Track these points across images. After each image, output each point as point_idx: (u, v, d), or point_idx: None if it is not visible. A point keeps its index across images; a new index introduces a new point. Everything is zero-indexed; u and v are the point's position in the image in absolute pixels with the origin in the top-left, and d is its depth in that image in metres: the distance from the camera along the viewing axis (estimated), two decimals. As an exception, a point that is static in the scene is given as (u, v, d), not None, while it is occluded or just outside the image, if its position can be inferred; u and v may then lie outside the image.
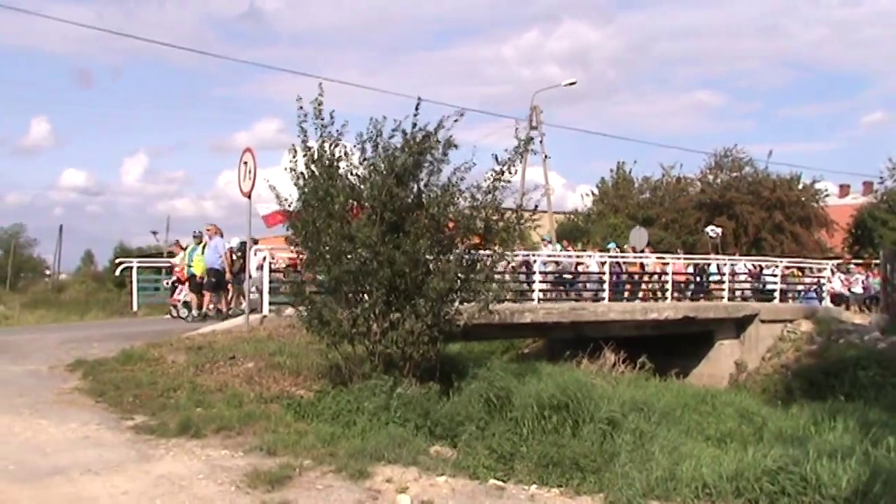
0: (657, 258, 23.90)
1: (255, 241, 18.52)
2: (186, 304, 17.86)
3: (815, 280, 26.14)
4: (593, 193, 43.20)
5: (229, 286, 17.43)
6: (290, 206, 10.45)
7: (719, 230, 30.00)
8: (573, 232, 39.11)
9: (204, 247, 17.21)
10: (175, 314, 18.24)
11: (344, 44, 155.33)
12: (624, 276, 22.90)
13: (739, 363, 21.68)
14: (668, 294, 22.13)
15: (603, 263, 21.22)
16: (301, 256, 10.85)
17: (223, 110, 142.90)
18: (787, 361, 20.99)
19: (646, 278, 23.60)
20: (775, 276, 24.89)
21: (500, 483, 6.75)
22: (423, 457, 7.23)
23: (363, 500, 6.16)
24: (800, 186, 39.47)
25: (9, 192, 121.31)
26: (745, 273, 25.64)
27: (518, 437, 8.05)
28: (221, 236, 17.37)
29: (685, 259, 24.89)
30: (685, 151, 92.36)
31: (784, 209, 37.60)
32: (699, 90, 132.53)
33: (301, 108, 10.23)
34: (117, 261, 20.68)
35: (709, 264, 25.22)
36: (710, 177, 41.03)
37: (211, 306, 17.27)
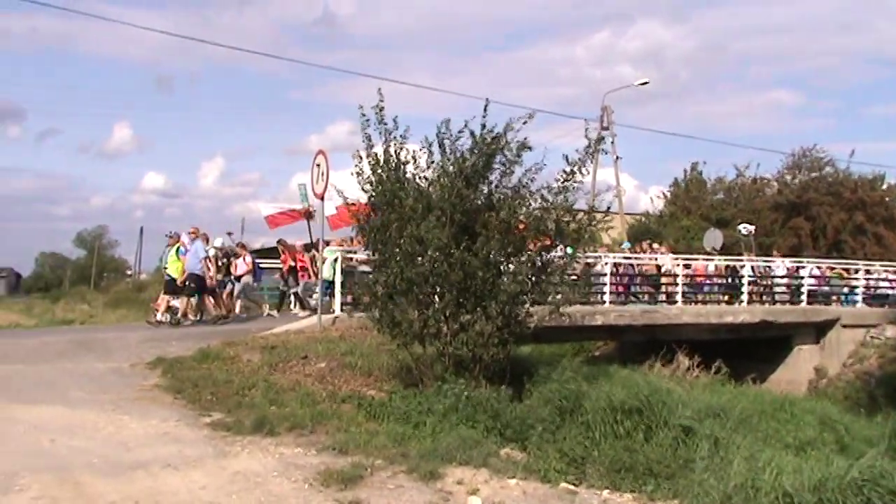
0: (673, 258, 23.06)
1: (327, 243, 18.84)
2: (170, 309, 16.75)
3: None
4: (664, 195, 42.50)
5: (216, 291, 16.95)
6: (359, 210, 10.55)
7: (752, 228, 28.78)
8: (645, 234, 38.52)
9: (178, 249, 16.47)
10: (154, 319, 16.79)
11: (415, 47, 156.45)
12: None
13: (819, 369, 21.03)
14: (744, 297, 21.57)
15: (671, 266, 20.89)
16: (372, 258, 10.95)
17: (297, 114, 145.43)
18: (870, 368, 20.30)
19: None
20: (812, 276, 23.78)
21: (572, 487, 6.69)
22: (494, 459, 7.20)
23: (434, 501, 6.18)
24: (884, 186, 38.14)
25: (93, 194, 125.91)
26: (783, 274, 24.12)
27: (589, 440, 7.97)
28: (207, 241, 16.93)
29: (704, 260, 23.75)
30: (760, 151, 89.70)
31: (866, 210, 36.37)
32: (776, 89, 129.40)
33: (363, 114, 10.33)
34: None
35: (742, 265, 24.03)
36: (788, 177, 39.98)
37: (193, 311, 16.51)
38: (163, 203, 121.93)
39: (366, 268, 15.47)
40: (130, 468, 6.63)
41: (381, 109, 10.23)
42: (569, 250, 10.67)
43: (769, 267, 23.85)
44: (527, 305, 10.23)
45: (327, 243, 18.91)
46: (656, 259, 22.23)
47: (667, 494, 6.65)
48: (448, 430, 8.16)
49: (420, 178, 10.32)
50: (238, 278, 17.87)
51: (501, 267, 10.01)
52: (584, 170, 10.41)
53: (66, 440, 7.48)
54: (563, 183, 10.25)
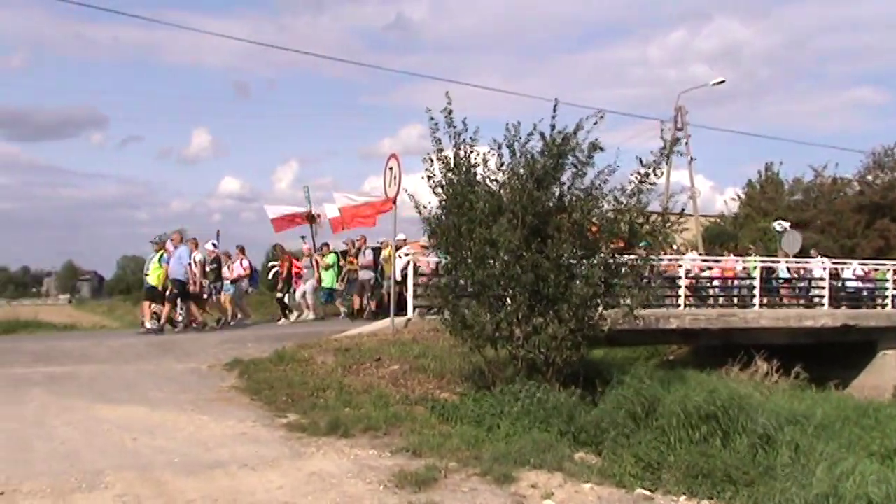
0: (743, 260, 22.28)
1: (326, 245, 18.90)
2: (156, 315, 16.27)
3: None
4: (739, 197, 41.61)
5: (201, 297, 16.51)
6: (430, 213, 10.59)
7: (787, 224, 27.56)
8: (720, 236, 37.78)
9: (161, 256, 16.02)
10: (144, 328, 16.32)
11: (487, 49, 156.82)
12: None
13: (905, 374, 20.27)
14: (826, 301, 20.93)
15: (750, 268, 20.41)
16: (443, 261, 10.98)
17: (370, 117, 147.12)
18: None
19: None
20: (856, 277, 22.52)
21: (648, 493, 6.58)
22: (568, 463, 7.14)
23: (508, 504, 6.16)
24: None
25: (173, 199, 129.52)
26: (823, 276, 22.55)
27: (665, 446, 7.85)
28: (197, 247, 16.48)
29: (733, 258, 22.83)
30: (841, 151, 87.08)
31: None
32: (858, 87, 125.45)
33: (432, 118, 10.38)
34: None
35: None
36: (870, 177, 38.70)
37: (178, 317, 16.20)
38: (239, 207, 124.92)
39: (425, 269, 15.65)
40: (209, 467, 6.78)
41: (450, 113, 10.26)
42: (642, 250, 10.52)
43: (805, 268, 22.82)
44: (600, 308, 10.13)
45: (326, 245, 19.03)
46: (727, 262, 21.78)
47: (746, 502, 6.51)
48: (521, 434, 8.12)
49: (491, 180, 10.32)
50: (234, 282, 17.72)
51: (574, 270, 9.93)
52: (657, 171, 10.27)
53: (147, 439, 7.69)
54: (636, 185, 10.13)
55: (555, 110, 10.09)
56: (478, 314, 10.08)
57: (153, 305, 16.25)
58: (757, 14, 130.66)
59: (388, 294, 18.84)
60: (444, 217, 10.43)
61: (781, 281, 21.61)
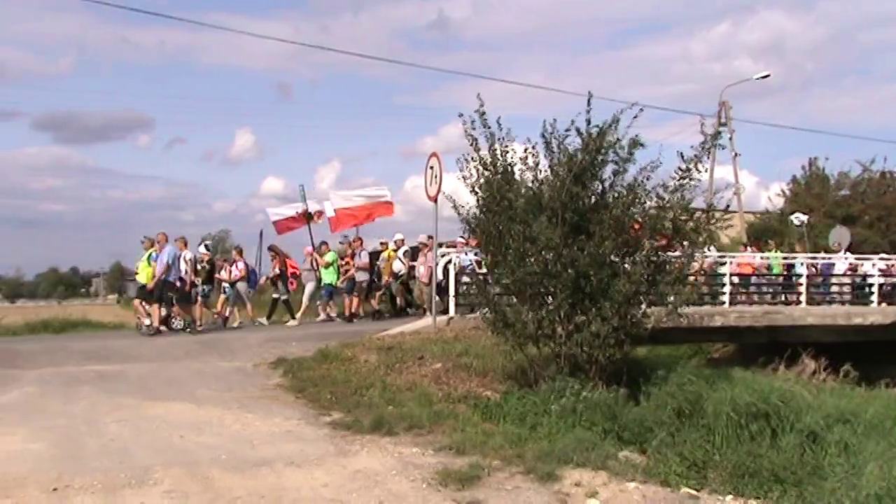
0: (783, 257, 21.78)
1: (324, 244, 18.74)
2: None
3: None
4: (784, 193, 40.94)
5: (198, 297, 16.38)
6: (468, 212, 10.60)
7: (805, 218, 26.79)
8: (765, 232, 37.23)
9: (150, 255, 15.89)
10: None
11: (530, 47, 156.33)
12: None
13: (961, 373, 19.76)
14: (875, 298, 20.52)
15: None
16: (484, 259, 10.99)
17: (412, 117, 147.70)
18: None
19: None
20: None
21: (694, 492, 6.53)
22: (612, 461, 7.10)
23: (552, 502, 6.14)
24: None
25: (216, 200, 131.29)
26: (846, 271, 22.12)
27: (711, 444, 7.78)
28: (186, 246, 16.23)
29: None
30: (888, 145, 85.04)
31: None
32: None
33: (464, 121, 10.38)
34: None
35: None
36: (921, 171, 37.80)
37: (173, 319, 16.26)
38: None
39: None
40: (255, 465, 6.86)
41: (483, 114, 10.26)
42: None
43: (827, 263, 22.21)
44: (643, 306, 10.06)
45: (325, 244, 18.83)
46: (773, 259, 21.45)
47: (794, 502, 6.42)
48: (565, 432, 8.10)
49: (529, 178, 10.29)
50: (232, 284, 17.66)
51: (616, 267, 9.86)
52: (700, 167, 10.16)
53: (194, 436, 7.81)
54: (679, 181, 10.04)
55: (589, 104, 10.05)
56: (519, 312, 10.08)
57: (144, 304, 16.19)
58: (802, 6, 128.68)
59: (395, 295, 18.90)
60: (482, 216, 10.43)
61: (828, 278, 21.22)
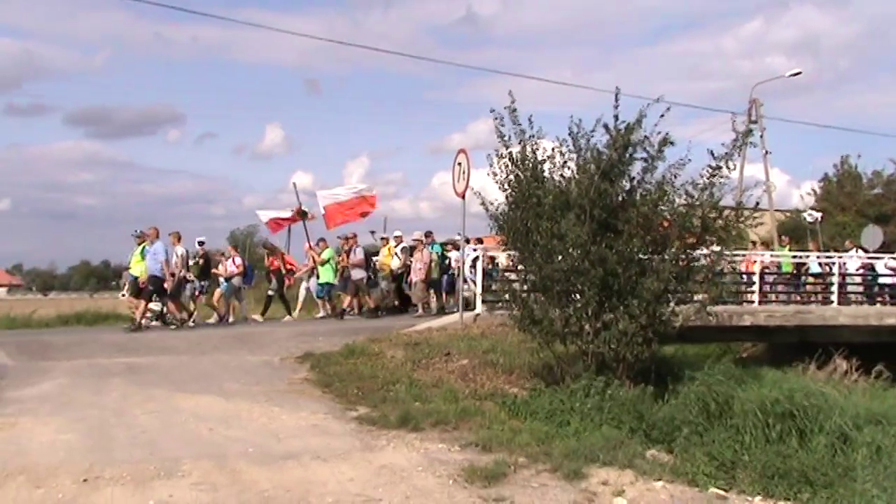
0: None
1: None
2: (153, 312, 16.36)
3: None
4: (815, 191, 40.48)
5: (179, 294, 16.23)
6: (497, 209, 10.58)
7: (818, 215, 26.16)
8: (796, 231, 36.83)
9: (143, 249, 15.76)
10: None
11: (559, 43, 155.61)
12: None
13: None
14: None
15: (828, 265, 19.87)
16: (511, 256, 10.97)
17: (440, 113, 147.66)
18: None
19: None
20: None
21: (722, 492, 6.47)
22: (639, 460, 7.06)
23: (579, 501, 6.12)
24: None
25: (246, 194, 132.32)
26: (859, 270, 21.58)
27: (739, 444, 7.70)
28: (179, 240, 16.37)
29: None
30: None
31: None
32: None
33: (495, 117, 10.35)
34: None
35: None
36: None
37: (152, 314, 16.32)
38: (310, 202, 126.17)
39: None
40: (282, 458, 6.90)
41: (514, 111, 10.24)
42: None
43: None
44: (671, 304, 9.99)
45: (323, 241, 18.69)
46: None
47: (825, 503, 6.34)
48: (591, 430, 8.08)
49: (558, 175, 10.26)
50: (227, 279, 17.55)
51: (644, 264, 9.80)
52: (730, 164, 10.07)
53: (222, 429, 7.87)
54: (708, 178, 9.95)
55: (616, 100, 10.00)
56: (546, 309, 10.05)
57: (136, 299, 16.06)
58: (836, 2, 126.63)
59: (389, 292, 18.72)
60: (511, 213, 10.41)
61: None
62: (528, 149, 10.27)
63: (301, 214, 20.09)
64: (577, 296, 10.04)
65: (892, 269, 21.12)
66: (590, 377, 9.40)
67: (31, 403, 8.89)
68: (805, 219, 26.58)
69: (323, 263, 18.08)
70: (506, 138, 10.38)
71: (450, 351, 11.53)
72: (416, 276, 17.45)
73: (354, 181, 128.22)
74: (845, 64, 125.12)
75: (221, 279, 17.73)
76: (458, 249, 18.71)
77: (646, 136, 9.83)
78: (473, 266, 15.68)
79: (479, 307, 14.63)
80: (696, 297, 10.35)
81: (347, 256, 18.13)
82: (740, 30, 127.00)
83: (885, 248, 24.45)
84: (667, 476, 6.69)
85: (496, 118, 10.37)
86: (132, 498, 5.88)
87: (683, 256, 10.07)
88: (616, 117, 9.91)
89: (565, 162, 10.20)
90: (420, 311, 17.39)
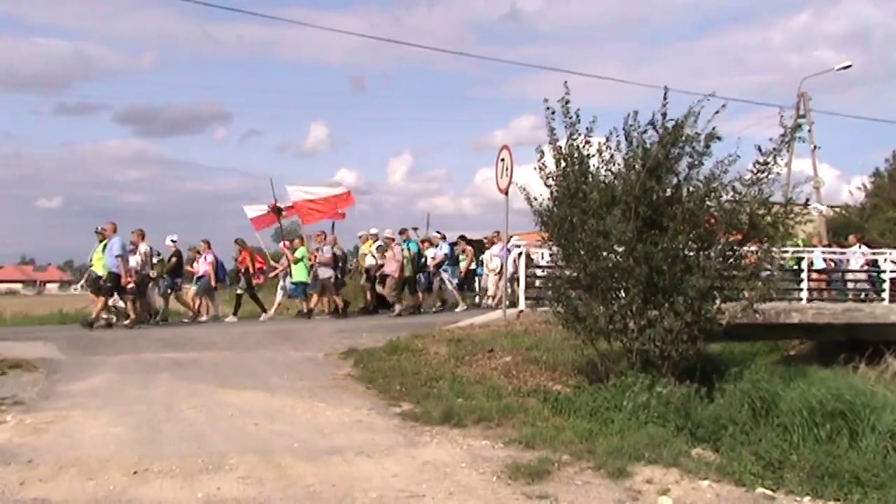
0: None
1: (297, 240, 18.44)
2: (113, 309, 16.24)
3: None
4: (865, 186, 39.61)
5: (137, 291, 15.83)
6: (541, 204, 10.52)
7: (823, 208, 25.18)
8: (846, 228, 36.13)
9: (104, 245, 15.44)
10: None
11: (604, 39, 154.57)
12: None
13: None
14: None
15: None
16: (556, 253, 10.91)
17: (483, 109, 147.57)
18: None
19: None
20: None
21: (769, 492, 6.37)
22: (685, 459, 6.98)
23: (623, 499, 6.08)
24: None
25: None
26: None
27: (787, 444, 7.59)
28: (143, 238, 16.21)
29: None
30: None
31: None
32: None
33: (548, 108, 10.29)
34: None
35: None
36: None
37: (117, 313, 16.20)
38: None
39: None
40: (327, 453, 6.96)
41: (567, 103, 10.16)
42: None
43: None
44: (717, 301, 9.86)
45: (300, 238, 18.59)
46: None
47: (875, 505, 6.22)
48: (636, 428, 8.00)
49: (605, 170, 10.18)
50: (199, 278, 17.55)
51: (690, 261, 9.69)
52: (778, 160, 9.91)
53: (268, 424, 7.96)
54: (756, 174, 9.80)
55: (665, 98, 9.86)
56: (590, 307, 9.98)
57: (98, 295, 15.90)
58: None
59: (371, 292, 18.47)
60: (555, 209, 10.36)
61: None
62: (577, 142, 10.19)
63: (276, 211, 19.70)
64: (622, 293, 9.96)
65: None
66: (634, 375, 9.33)
67: (81, 397, 9.07)
68: (811, 213, 25.89)
69: (297, 262, 17.88)
70: (555, 131, 10.31)
71: (493, 347, 11.52)
72: (390, 273, 17.12)
73: (398, 178, 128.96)
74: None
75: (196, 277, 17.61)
76: (435, 246, 18.78)
77: (696, 133, 9.71)
78: (515, 262, 15.59)
79: (523, 303, 14.57)
80: (743, 294, 10.20)
81: (316, 254, 17.91)
82: (788, 23, 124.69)
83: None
84: (713, 475, 6.61)
85: (548, 108, 10.30)
86: (181, 491, 5.98)
87: (730, 253, 9.93)
88: (664, 115, 9.81)
89: (612, 157, 10.12)
90: (397, 310, 17.19)
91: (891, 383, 12.08)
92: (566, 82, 10.23)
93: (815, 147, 33.09)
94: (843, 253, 20.93)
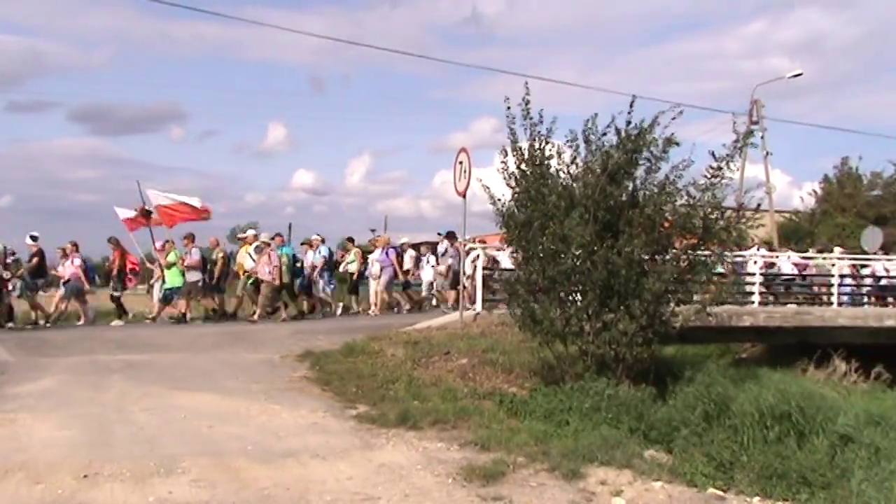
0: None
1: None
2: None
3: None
4: (815, 192, 40.47)
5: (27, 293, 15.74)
6: (503, 206, 10.56)
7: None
8: (796, 233, 36.85)
9: None
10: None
11: (562, 43, 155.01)
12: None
13: None
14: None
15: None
16: (515, 256, 10.96)
17: (443, 112, 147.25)
18: None
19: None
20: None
21: (720, 493, 6.47)
22: (638, 460, 7.05)
23: (577, 500, 6.11)
24: None
25: (247, 192, 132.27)
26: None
27: (738, 445, 7.73)
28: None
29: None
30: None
31: None
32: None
33: (508, 108, 10.34)
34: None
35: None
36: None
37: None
38: (311, 200, 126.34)
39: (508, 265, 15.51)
40: (281, 456, 6.90)
41: (528, 103, 10.22)
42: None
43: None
44: (671, 305, 9.99)
45: (170, 242, 17.57)
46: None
47: (823, 505, 6.36)
48: (590, 430, 8.07)
49: (564, 174, 10.25)
50: (66, 282, 16.77)
51: (646, 265, 9.81)
52: (731, 166, 10.08)
53: (221, 427, 7.86)
54: (710, 179, 9.96)
55: (631, 106, 9.97)
56: (548, 309, 10.05)
57: None
58: (840, 4, 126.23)
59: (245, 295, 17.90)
60: (517, 211, 10.40)
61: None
62: (537, 144, 10.24)
63: (145, 214, 18.77)
64: (579, 296, 10.04)
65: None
66: (590, 377, 9.42)
67: (30, 400, 8.89)
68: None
69: (169, 266, 17.20)
70: (515, 133, 10.35)
71: (449, 350, 11.52)
72: (264, 278, 16.68)
73: (356, 179, 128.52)
74: (847, 65, 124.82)
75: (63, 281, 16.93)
76: (315, 249, 18.47)
77: (654, 138, 9.83)
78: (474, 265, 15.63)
79: (480, 306, 14.61)
80: (696, 298, 10.36)
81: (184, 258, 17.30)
82: (743, 31, 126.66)
83: (884, 249, 24.50)
84: (665, 476, 6.69)
85: (508, 108, 10.34)
86: (132, 494, 5.88)
87: (684, 257, 10.08)
88: (629, 122, 9.90)
89: (574, 159, 10.19)
90: (283, 315, 16.98)
91: (838, 385, 12.35)
92: (527, 83, 10.32)
93: (767, 153, 33.74)
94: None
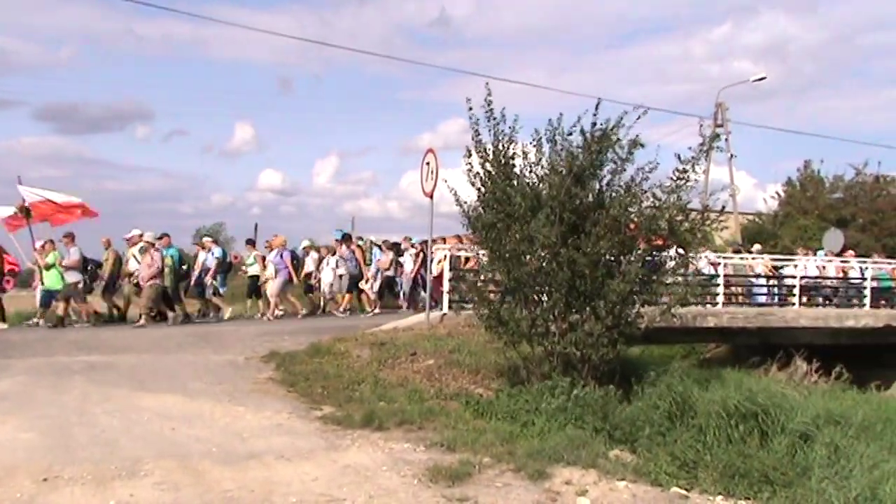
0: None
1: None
2: None
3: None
4: (779, 195, 40.97)
5: None
6: (469, 208, 10.56)
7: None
8: (760, 234, 37.27)
9: None
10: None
11: (531, 45, 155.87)
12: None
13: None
14: (867, 301, 20.60)
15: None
16: (481, 256, 10.97)
17: (410, 113, 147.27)
18: None
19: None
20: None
21: (683, 492, 6.54)
22: (603, 460, 7.11)
23: (542, 500, 6.14)
24: None
25: (213, 192, 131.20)
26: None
27: (702, 444, 7.76)
28: None
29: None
30: (885, 149, 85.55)
31: None
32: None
33: (470, 108, 10.35)
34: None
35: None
36: (915, 176, 37.77)
37: None
38: (278, 201, 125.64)
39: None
40: (246, 458, 6.85)
41: (490, 104, 10.24)
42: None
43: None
44: (637, 306, 10.07)
45: (50, 242, 16.85)
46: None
47: (784, 502, 6.43)
48: (556, 430, 8.11)
49: (529, 174, 10.28)
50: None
51: (611, 266, 9.87)
52: (697, 168, 10.17)
53: (185, 429, 7.79)
54: (675, 181, 10.04)
55: (597, 109, 10.00)
56: (513, 310, 10.08)
57: None
58: (804, 9, 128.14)
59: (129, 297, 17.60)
60: (482, 212, 10.41)
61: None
62: (501, 144, 10.26)
63: (24, 212, 17.96)
64: (545, 297, 10.07)
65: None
66: (555, 378, 9.45)
67: (-12, 402, 8.74)
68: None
69: (48, 268, 16.48)
70: (479, 133, 10.35)
71: (416, 351, 11.51)
72: (143, 281, 16.42)
73: (324, 180, 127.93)
74: (811, 69, 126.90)
75: None
76: (207, 251, 18.38)
77: (618, 139, 9.88)
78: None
79: (446, 307, 14.62)
80: (661, 299, 10.44)
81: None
82: (708, 34, 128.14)
83: (845, 251, 24.88)
84: (630, 476, 6.75)
85: (470, 109, 10.34)
86: (93, 498, 5.81)
87: (650, 258, 10.15)
88: (594, 124, 9.94)
89: (540, 160, 10.22)
90: (170, 320, 16.76)
91: (800, 385, 12.50)
92: (487, 83, 10.34)
93: (731, 156, 34.16)
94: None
